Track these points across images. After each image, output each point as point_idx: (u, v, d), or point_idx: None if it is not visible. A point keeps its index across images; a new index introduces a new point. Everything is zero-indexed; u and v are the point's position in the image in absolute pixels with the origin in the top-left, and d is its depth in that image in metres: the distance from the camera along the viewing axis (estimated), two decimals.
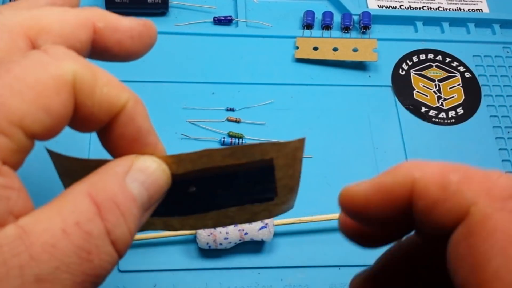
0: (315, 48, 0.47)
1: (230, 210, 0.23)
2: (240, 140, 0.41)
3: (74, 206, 0.17)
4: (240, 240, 0.35)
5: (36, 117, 0.17)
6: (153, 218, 0.22)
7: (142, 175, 0.19)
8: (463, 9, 0.52)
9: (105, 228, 0.17)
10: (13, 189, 0.16)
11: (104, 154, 0.22)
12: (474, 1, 0.53)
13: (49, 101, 0.17)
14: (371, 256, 0.40)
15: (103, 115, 0.19)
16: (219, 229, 0.34)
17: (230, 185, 0.22)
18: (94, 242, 0.17)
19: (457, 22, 0.51)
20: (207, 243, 0.35)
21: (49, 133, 0.18)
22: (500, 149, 0.44)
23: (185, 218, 0.23)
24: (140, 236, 0.35)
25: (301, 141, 0.22)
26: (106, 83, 0.19)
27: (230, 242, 0.35)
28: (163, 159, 0.20)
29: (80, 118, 0.19)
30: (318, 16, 0.49)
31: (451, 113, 0.46)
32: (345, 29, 0.48)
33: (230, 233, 0.34)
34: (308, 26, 0.48)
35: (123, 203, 0.18)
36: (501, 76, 0.48)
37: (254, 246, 0.37)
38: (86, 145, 0.40)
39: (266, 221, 0.35)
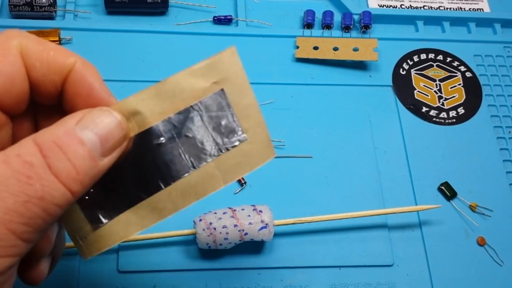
0: (316, 48, 0.46)
1: (209, 165, 0.23)
2: None
3: (18, 146, 0.20)
4: (240, 240, 0.35)
5: None
6: (140, 207, 0.23)
7: (91, 122, 0.21)
8: (464, 8, 0.52)
9: (46, 162, 0.20)
10: None
11: None
12: (475, 0, 0.52)
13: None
14: (371, 256, 0.40)
15: (54, 74, 0.22)
16: (219, 229, 0.34)
17: (194, 130, 0.23)
18: (34, 170, 0.19)
19: (458, 21, 0.51)
20: (207, 244, 0.35)
21: (10, 96, 0.20)
22: (501, 149, 0.44)
23: (171, 188, 0.23)
24: (140, 236, 0.35)
25: (232, 49, 0.23)
26: (53, 48, 0.22)
27: (230, 243, 0.35)
28: (118, 109, 0.22)
29: (35, 80, 0.21)
30: (319, 16, 0.49)
31: (452, 113, 0.45)
32: (346, 28, 0.48)
33: (230, 233, 0.34)
34: (308, 25, 0.48)
35: (66, 143, 0.20)
36: (502, 75, 0.48)
37: (254, 246, 0.37)
38: None
39: (266, 221, 0.35)
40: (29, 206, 0.19)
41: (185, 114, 0.23)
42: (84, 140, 0.21)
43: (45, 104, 0.23)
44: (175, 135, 0.23)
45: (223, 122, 0.23)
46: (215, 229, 0.34)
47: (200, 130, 0.23)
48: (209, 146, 0.23)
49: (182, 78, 0.23)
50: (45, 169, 0.19)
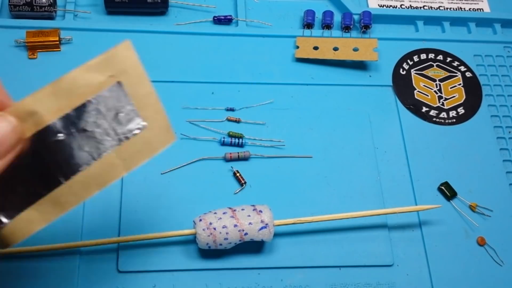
0: (316, 48, 0.46)
1: (110, 155, 0.25)
2: (240, 140, 0.41)
3: None
4: (240, 240, 0.35)
5: None
6: (41, 203, 0.24)
7: None
8: (464, 8, 0.52)
9: None
10: None
11: None
12: (475, 0, 0.52)
13: None
14: (371, 256, 0.40)
15: None
16: (218, 229, 0.34)
17: (93, 122, 0.24)
18: None
19: (458, 21, 0.51)
20: (207, 244, 0.35)
21: None
22: (501, 149, 0.44)
23: (71, 182, 0.24)
24: (140, 236, 0.35)
25: (126, 43, 0.25)
26: None
27: (230, 243, 0.35)
28: (14, 111, 0.23)
29: None
30: (319, 16, 0.49)
31: (452, 113, 0.45)
32: (346, 28, 0.48)
33: (230, 233, 0.34)
34: (308, 25, 0.48)
35: None
36: (502, 75, 0.48)
37: (254, 246, 0.37)
38: None
39: (266, 221, 0.35)
40: None
41: (83, 109, 0.24)
42: None
43: None
44: (74, 130, 0.24)
45: (122, 113, 0.25)
46: (215, 229, 0.34)
47: (99, 122, 0.24)
48: (109, 137, 0.25)
49: (78, 74, 0.24)
50: None
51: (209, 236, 0.34)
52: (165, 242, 0.37)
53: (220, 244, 0.35)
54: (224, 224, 0.34)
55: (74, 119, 0.24)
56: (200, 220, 0.35)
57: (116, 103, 0.25)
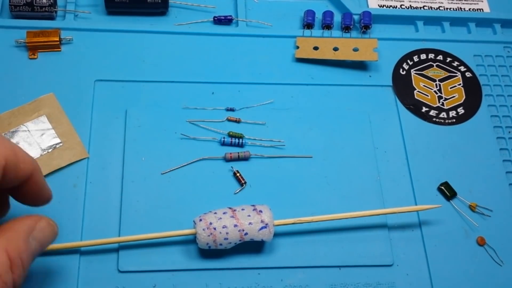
0: (316, 48, 0.46)
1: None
2: (240, 140, 0.41)
3: None
4: (240, 240, 0.35)
5: None
6: None
7: (40, 234, 0.28)
8: (464, 8, 0.52)
9: (13, 279, 0.25)
10: None
11: None
12: (475, 0, 0.52)
13: None
14: (371, 256, 0.40)
15: (17, 181, 0.28)
16: (219, 229, 0.34)
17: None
18: None
19: (458, 21, 0.51)
20: (207, 243, 0.35)
21: None
22: (501, 149, 0.44)
23: None
24: (140, 236, 0.35)
25: (50, 96, 0.41)
26: (23, 161, 0.27)
27: (230, 242, 0.35)
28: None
29: (2, 185, 0.27)
30: (319, 16, 0.49)
31: (452, 113, 0.45)
32: (346, 28, 0.48)
33: (230, 233, 0.34)
34: (308, 25, 0.48)
35: (25, 258, 0.26)
36: (502, 75, 0.48)
37: (254, 246, 0.37)
38: None
39: (266, 221, 0.35)
40: None
41: (16, 131, 0.39)
42: (33, 251, 0.28)
43: None
44: None
45: (45, 135, 0.39)
46: (215, 229, 0.34)
47: (27, 140, 0.39)
48: (35, 151, 0.39)
49: (16, 110, 0.40)
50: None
51: (209, 236, 0.34)
52: (165, 242, 0.37)
53: (220, 244, 0.35)
54: (224, 224, 0.34)
55: (9, 137, 0.39)
56: (200, 220, 0.35)
57: (42, 129, 0.39)
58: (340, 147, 0.42)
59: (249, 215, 0.35)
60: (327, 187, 0.40)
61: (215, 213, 0.35)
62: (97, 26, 0.45)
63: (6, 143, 0.26)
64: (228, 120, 0.42)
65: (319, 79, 0.46)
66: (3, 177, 0.26)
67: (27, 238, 0.27)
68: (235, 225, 0.34)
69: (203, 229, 0.34)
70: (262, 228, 0.35)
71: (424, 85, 0.47)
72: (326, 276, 0.37)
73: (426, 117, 0.45)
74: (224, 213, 0.35)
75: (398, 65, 0.47)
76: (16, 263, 0.25)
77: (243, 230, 0.34)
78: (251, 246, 0.37)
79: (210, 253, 0.36)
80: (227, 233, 0.34)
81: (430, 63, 0.48)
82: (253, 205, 0.36)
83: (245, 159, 0.41)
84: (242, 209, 0.35)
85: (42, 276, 0.35)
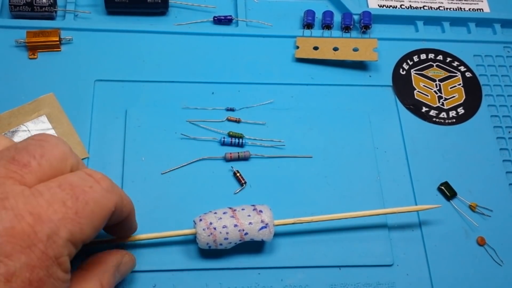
0: (315, 48, 0.46)
1: None
2: (240, 140, 0.41)
3: None
4: (240, 240, 0.35)
5: (92, 235, 0.26)
6: None
7: (123, 268, 0.32)
8: (464, 8, 0.52)
9: None
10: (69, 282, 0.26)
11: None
12: (475, 0, 0.52)
13: (100, 225, 0.27)
14: (371, 256, 0.40)
15: (116, 222, 0.30)
16: (219, 229, 0.34)
17: None
18: None
19: (457, 21, 0.51)
20: (207, 243, 0.35)
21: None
22: (501, 149, 0.44)
23: None
24: (140, 236, 0.35)
25: (50, 96, 0.41)
26: (126, 204, 0.29)
27: (230, 242, 0.35)
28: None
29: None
30: (319, 16, 0.49)
31: (452, 113, 0.45)
32: (346, 28, 0.48)
33: (230, 233, 0.34)
34: (308, 25, 0.48)
35: None
36: (502, 75, 0.48)
37: (254, 246, 0.37)
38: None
39: (266, 221, 0.35)
40: None
41: (16, 131, 0.39)
42: (115, 281, 0.31)
43: None
44: None
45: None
46: (215, 229, 0.34)
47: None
48: None
49: (16, 110, 0.40)
50: None
51: (209, 236, 0.34)
52: (165, 242, 0.37)
53: (221, 244, 0.35)
54: (224, 224, 0.34)
55: (10, 136, 0.38)
56: (200, 220, 0.35)
57: (42, 128, 0.40)
58: (340, 147, 0.42)
59: (249, 215, 0.35)
60: (327, 187, 0.40)
61: (215, 213, 0.35)
62: (97, 26, 0.45)
63: (116, 189, 0.28)
64: (228, 120, 0.42)
65: (319, 79, 0.46)
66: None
67: (115, 272, 0.30)
68: (235, 225, 0.34)
69: (203, 229, 0.34)
70: (262, 228, 0.35)
71: (424, 85, 0.47)
72: (326, 276, 0.37)
73: (426, 117, 0.45)
74: (224, 213, 0.35)
75: (398, 65, 0.47)
76: None
77: (243, 230, 0.34)
78: (251, 246, 0.37)
79: (210, 253, 0.36)
80: (227, 233, 0.34)
81: (430, 63, 0.48)
82: (253, 205, 0.36)
83: (245, 159, 0.41)
84: (242, 209, 0.35)
85: None
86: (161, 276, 0.36)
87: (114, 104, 0.42)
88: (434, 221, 0.40)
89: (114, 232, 0.33)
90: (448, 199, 0.41)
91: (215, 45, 0.46)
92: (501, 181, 0.42)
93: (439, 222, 0.40)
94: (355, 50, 0.46)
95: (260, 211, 0.35)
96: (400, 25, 0.50)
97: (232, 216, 0.35)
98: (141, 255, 0.36)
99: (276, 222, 0.36)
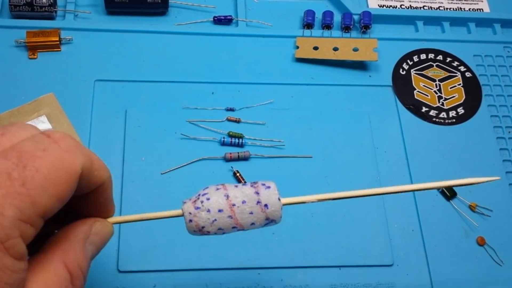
0: (315, 48, 0.46)
1: None
2: (240, 140, 0.41)
3: (57, 276, 0.23)
4: (235, 227, 0.28)
5: (54, 207, 0.21)
6: None
7: (96, 238, 0.26)
8: (464, 8, 0.52)
9: None
10: (26, 271, 0.21)
11: None
12: (475, 0, 0.52)
13: (64, 193, 0.22)
14: (371, 256, 0.40)
15: (88, 189, 0.25)
16: (213, 231, 0.28)
17: None
18: None
19: (457, 21, 0.51)
20: (194, 232, 0.28)
21: (56, 210, 0.22)
22: (501, 149, 0.44)
23: None
24: (122, 218, 0.34)
25: (50, 96, 0.41)
26: (97, 168, 0.25)
27: (224, 233, 0.28)
28: (111, 219, 0.28)
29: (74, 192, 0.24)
30: (318, 16, 0.49)
31: (452, 113, 0.45)
32: (346, 28, 0.48)
33: (227, 233, 0.28)
34: (308, 25, 0.48)
35: (85, 267, 0.24)
36: (502, 75, 0.48)
37: (254, 246, 0.37)
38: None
39: (273, 217, 0.28)
40: None
41: None
42: (90, 255, 0.25)
43: None
44: None
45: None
46: (208, 232, 0.28)
47: None
48: None
49: (16, 110, 0.40)
50: None
51: (201, 235, 0.28)
52: (165, 241, 0.37)
53: (209, 232, 0.28)
54: (220, 226, 0.27)
55: None
56: (191, 221, 0.27)
57: (42, 127, 0.39)
58: (340, 147, 0.42)
59: (251, 213, 0.28)
60: (327, 187, 0.40)
61: (208, 211, 0.27)
62: (97, 26, 0.45)
63: (84, 150, 0.24)
64: (228, 120, 0.42)
65: (319, 79, 0.46)
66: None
67: (83, 246, 0.25)
68: (234, 227, 0.28)
69: (194, 231, 0.28)
70: (266, 224, 0.28)
71: (424, 85, 0.47)
72: (326, 276, 0.37)
73: (426, 117, 0.45)
74: (219, 210, 0.27)
75: (398, 65, 0.47)
76: (76, 275, 0.23)
77: (243, 230, 0.28)
78: (251, 246, 0.37)
79: (210, 253, 0.36)
80: (223, 233, 0.28)
81: (430, 63, 0.48)
82: (257, 193, 0.29)
83: (245, 159, 0.41)
84: (243, 202, 0.28)
85: None
86: (161, 276, 0.36)
87: (114, 104, 0.42)
88: (434, 221, 0.40)
89: (87, 209, 0.27)
90: (448, 199, 0.41)
91: (215, 45, 0.46)
92: (501, 181, 0.42)
93: (439, 222, 0.40)
94: (355, 50, 0.46)
95: (266, 205, 0.28)
96: (400, 25, 0.50)
97: (230, 217, 0.28)
98: (141, 255, 0.36)
99: (284, 200, 0.30)
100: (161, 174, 0.39)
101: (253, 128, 0.42)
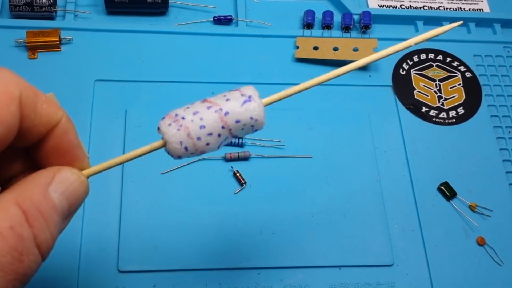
0: (315, 48, 0.46)
1: None
2: (240, 140, 0.41)
3: (5, 213, 0.20)
4: (223, 127, 0.25)
5: None
6: None
7: (62, 185, 0.23)
8: (464, 8, 0.52)
9: (32, 232, 0.20)
10: None
11: None
12: (475, 0, 0.52)
13: (5, 118, 0.20)
14: (371, 256, 0.40)
15: (42, 126, 0.23)
16: (189, 117, 0.25)
17: None
18: (25, 244, 0.20)
19: (457, 21, 0.51)
20: (181, 143, 0.25)
21: (1, 142, 0.21)
22: (501, 149, 0.44)
23: None
24: (100, 166, 0.34)
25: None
26: (45, 101, 0.23)
27: (211, 133, 0.25)
28: (84, 171, 0.25)
29: (24, 129, 0.22)
30: (319, 16, 0.49)
31: (452, 113, 0.45)
32: (346, 28, 0.48)
33: (205, 118, 0.25)
34: (308, 25, 0.48)
35: (46, 211, 0.21)
36: (501, 75, 0.48)
37: (254, 246, 0.37)
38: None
39: (248, 93, 0.26)
40: (15, 284, 0.19)
41: None
42: (57, 205, 0.22)
43: (19, 146, 0.24)
44: None
45: None
46: (183, 118, 0.25)
47: None
48: None
49: None
50: (32, 242, 0.20)
51: (179, 130, 0.25)
52: (165, 241, 0.36)
53: (199, 138, 0.25)
54: (195, 110, 0.25)
55: None
56: (163, 118, 0.26)
57: None
58: (340, 147, 0.42)
59: (224, 95, 0.26)
60: (327, 187, 0.40)
61: (181, 107, 0.26)
62: (97, 26, 0.45)
63: (24, 81, 0.22)
64: None
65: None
66: (22, 119, 0.21)
67: (43, 190, 0.22)
68: (209, 107, 0.25)
69: (169, 124, 0.25)
70: (245, 102, 0.26)
71: (424, 85, 0.47)
72: (326, 276, 0.37)
73: (426, 117, 0.45)
74: (192, 103, 0.26)
75: (398, 65, 0.47)
76: (33, 215, 0.20)
77: (221, 110, 0.25)
78: (251, 246, 0.37)
79: (210, 253, 0.36)
80: (201, 119, 0.25)
81: (430, 63, 0.48)
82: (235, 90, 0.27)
83: (245, 159, 0.41)
84: (215, 94, 0.26)
85: (42, 276, 0.35)
86: (161, 276, 0.36)
87: (114, 104, 0.42)
88: (434, 221, 0.40)
89: (53, 160, 0.24)
90: (448, 199, 0.41)
91: (215, 45, 0.46)
92: (501, 181, 0.42)
93: (439, 222, 0.40)
94: (355, 50, 0.46)
95: (237, 89, 0.27)
96: (400, 25, 0.50)
97: (203, 102, 0.25)
98: (141, 255, 0.36)
99: (265, 100, 0.28)
100: (161, 174, 0.39)
101: None
